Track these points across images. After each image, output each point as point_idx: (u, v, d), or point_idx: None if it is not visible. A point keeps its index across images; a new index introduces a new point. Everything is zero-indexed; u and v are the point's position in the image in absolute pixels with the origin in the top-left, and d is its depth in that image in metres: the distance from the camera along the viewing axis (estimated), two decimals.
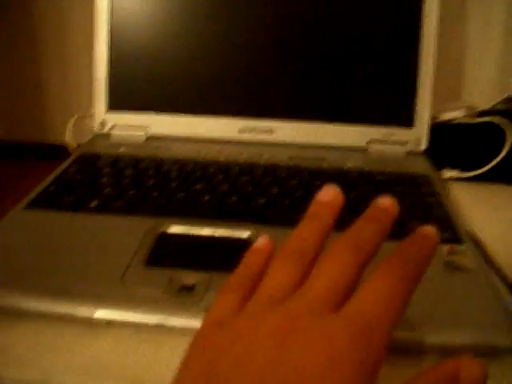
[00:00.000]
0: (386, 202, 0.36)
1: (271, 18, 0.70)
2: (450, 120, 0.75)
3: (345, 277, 0.30)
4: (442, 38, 0.70)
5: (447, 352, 0.40)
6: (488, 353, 0.41)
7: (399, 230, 0.52)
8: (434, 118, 0.74)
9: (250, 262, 0.36)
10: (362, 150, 0.71)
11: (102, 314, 0.42)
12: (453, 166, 0.71)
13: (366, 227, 0.34)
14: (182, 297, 0.43)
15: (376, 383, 0.26)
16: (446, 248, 0.50)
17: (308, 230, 0.35)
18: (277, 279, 0.33)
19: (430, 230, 0.34)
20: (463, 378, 0.28)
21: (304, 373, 0.26)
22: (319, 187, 0.59)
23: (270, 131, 0.71)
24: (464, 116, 0.75)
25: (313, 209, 0.37)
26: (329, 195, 0.37)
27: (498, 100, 0.88)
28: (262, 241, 0.37)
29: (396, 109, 0.71)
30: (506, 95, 0.90)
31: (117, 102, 0.73)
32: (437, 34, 0.69)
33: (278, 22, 0.70)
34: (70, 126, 0.75)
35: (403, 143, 0.70)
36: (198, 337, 0.32)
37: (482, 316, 0.42)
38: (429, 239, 0.33)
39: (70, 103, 0.93)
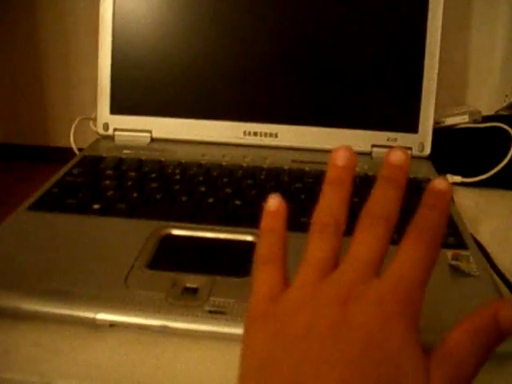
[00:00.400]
0: (396, 163, 0.38)
1: (277, 23, 0.70)
2: (453, 125, 0.75)
3: (381, 246, 0.34)
4: (447, 44, 0.71)
5: None
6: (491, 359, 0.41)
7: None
8: (437, 122, 0.74)
9: (273, 228, 0.37)
10: (367, 155, 0.71)
11: (104, 316, 0.42)
12: (456, 172, 0.71)
13: (384, 196, 0.36)
14: (185, 300, 0.43)
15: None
16: (450, 253, 0.50)
17: (336, 198, 0.37)
18: (317, 253, 0.35)
19: (442, 184, 0.36)
20: (503, 316, 0.31)
21: (367, 331, 0.30)
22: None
23: (274, 135, 0.71)
24: (468, 121, 0.75)
25: (332, 173, 0.38)
26: (343, 157, 0.38)
27: (503, 105, 0.88)
28: (275, 202, 0.38)
29: (400, 114, 0.70)
30: (510, 101, 0.90)
31: (120, 105, 0.73)
32: (440, 40, 0.69)
33: (284, 27, 0.70)
34: (73, 128, 0.75)
35: (407, 148, 0.70)
36: (253, 315, 0.34)
37: None
38: (443, 195, 0.35)
39: (73, 106, 0.93)
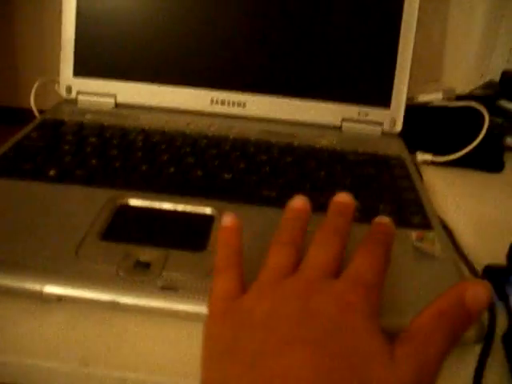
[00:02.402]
0: (345, 199, 0.43)
1: None
2: (427, 102, 0.74)
3: (335, 253, 0.37)
4: (425, 20, 0.69)
5: None
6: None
7: (369, 212, 0.51)
8: (411, 99, 0.72)
9: (228, 243, 0.40)
10: (337, 129, 0.69)
11: (52, 289, 0.40)
12: (427, 149, 0.69)
13: (336, 219, 0.41)
14: (137, 274, 0.41)
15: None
16: (415, 234, 0.49)
17: (291, 225, 0.41)
18: (277, 259, 0.38)
19: (384, 220, 0.41)
20: (468, 297, 0.32)
21: (328, 318, 0.32)
22: (288, 164, 0.58)
23: (242, 104, 0.69)
24: (442, 99, 0.73)
25: (289, 215, 0.42)
26: (299, 204, 0.43)
27: (477, 85, 0.87)
28: (230, 219, 0.41)
29: (372, 88, 0.69)
30: (486, 80, 0.89)
31: (84, 68, 0.70)
32: (417, 15, 0.67)
33: None
34: (34, 89, 0.72)
35: (378, 123, 0.69)
36: (213, 313, 0.36)
37: None
38: (386, 226, 0.41)
39: (40, 67, 0.89)
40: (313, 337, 0.30)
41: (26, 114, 0.71)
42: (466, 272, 0.48)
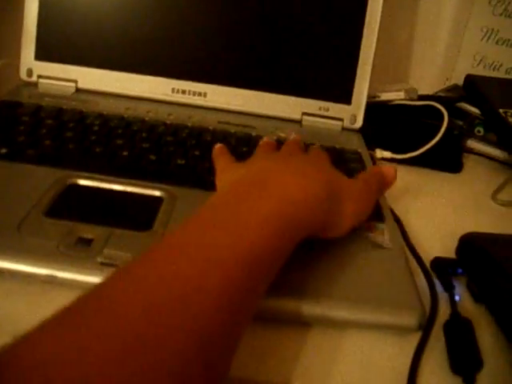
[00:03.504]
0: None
1: None
2: (389, 100, 0.74)
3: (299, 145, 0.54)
4: (392, 22, 0.69)
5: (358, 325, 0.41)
6: (395, 331, 0.41)
7: None
8: (373, 97, 0.73)
9: (221, 152, 0.54)
10: (297, 122, 0.69)
11: None
12: (387, 147, 0.70)
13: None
14: (77, 250, 0.40)
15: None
16: (366, 225, 0.49)
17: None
18: (264, 141, 0.56)
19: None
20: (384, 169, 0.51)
21: (321, 163, 0.47)
22: (245, 153, 0.58)
23: (203, 94, 0.69)
24: (404, 98, 0.74)
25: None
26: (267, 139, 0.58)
27: (443, 87, 0.88)
28: (219, 145, 0.55)
29: (334, 84, 0.69)
30: (452, 83, 0.90)
31: (46, 51, 0.69)
32: (380, 14, 0.67)
33: None
34: None
35: (339, 119, 0.69)
36: (222, 170, 0.50)
37: (391, 293, 0.42)
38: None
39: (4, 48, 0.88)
40: (299, 165, 0.43)
41: None
42: (414, 263, 0.48)
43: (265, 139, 0.57)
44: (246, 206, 0.36)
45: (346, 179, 0.45)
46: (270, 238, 0.34)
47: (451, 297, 0.44)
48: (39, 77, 0.70)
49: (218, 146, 0.55)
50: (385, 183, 0.50)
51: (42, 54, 0.69)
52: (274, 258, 0.35)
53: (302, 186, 0.39)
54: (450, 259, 0.49)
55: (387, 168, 0.51)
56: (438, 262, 0.49)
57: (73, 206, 0.46)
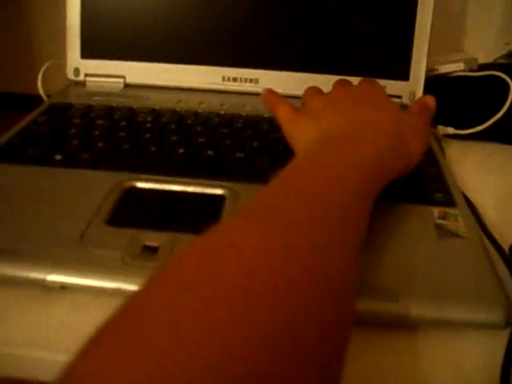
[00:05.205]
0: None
1: None
2: (448, 73, 0.70)
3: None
4: None
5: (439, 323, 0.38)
6: (478, 327, 0.38)
7: (390, 189, 0.48)
8: (431, 70, 0.69)
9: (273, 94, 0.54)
10: None
11: (55, 277, 0.38)
12: (448, 123, 0.66)
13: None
14: (144, 259, 0.39)
15: None
16: (437, 211, 0.46)
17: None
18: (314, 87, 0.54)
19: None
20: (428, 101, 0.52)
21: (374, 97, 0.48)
22: None
23: (255, 81, 0.66)
24: (463, 69, 0.70)
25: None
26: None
27: (502, 54, 0.84)
28: (267, 90, 0.54)
29: (390, 61, 0.66)
30: (510, 49, 0.85)
31: (92, 49, 0.68)
32: None
33: None
34: (41, 73, 0.70)
35: (397, 96, 0.66)
36: (288, 119, 0.48)
37: (471, 287, 0.39)
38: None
39: (48, 52, 0.88)
40: (368, 113, 0.44)
41: (36, 100, 0.70)
42: (492, 250, 0.45)
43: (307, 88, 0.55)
44: (344, 156, 0.38)
45: (408, 116, 0.48)
46: (369, 181, 0.37)
47: None
48: (86, 75, 0.69)
49: (265, 91, 0.54)
50: (431, 113, 0.52)
51: (88, 51, 0.68)
52: (370, 203, 0.37)
53: (380, 132, 0.42)
54: None
55: (428, 97, 0.53)
56: None
57: (133, 211, 0.45)
